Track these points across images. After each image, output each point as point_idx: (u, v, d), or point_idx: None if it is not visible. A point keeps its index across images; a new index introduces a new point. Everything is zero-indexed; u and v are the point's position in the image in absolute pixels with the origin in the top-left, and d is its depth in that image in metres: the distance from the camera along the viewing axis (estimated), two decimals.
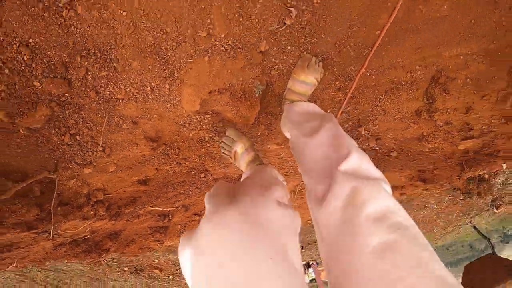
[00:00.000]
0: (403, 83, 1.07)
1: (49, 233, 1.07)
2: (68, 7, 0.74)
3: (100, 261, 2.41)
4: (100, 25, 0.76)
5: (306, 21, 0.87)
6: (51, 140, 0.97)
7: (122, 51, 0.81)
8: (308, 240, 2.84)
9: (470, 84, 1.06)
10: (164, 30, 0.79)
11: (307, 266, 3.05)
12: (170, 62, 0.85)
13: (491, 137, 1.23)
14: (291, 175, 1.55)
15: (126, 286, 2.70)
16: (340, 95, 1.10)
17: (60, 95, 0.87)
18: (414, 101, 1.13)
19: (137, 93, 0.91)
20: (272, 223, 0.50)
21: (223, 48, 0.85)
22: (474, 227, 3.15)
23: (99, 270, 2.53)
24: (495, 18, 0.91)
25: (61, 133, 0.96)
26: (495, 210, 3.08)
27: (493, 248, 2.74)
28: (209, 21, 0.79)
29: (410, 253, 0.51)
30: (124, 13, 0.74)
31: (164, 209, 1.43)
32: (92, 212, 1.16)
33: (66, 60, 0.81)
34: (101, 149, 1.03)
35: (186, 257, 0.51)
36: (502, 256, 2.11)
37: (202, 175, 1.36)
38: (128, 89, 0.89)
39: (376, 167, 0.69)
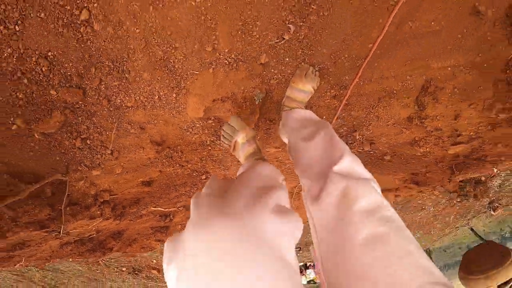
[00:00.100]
0: (395, 91, 1.18)
1: (59, 232, 1.17)
2: (86, 24, 0.84)
3: (98, 261, 2.50)
4: (114, 40, 0.86)
5: (303, 36, 0.97)
6: (62, 144, 1.07)
7: (134, 63, 0.91)
8: (305, 241, 2.94)
9: (458, 93, 1.17)
10: (173, 45, 0.89)
11: (305, 267, 3.16)
12: (178, 73, 0.96)
13: (479, 142, 1.34)
14: (289, 177, 1.65)
15: (124, 287, 2.79)
16: (336, 102, 1.20)
17: (74, 103, 0.97)
18: (406, 108, 1.24)
19: (146, 101, 1.02)
20: (267, 236, 0.47)
21: (226, 61, 0.95)
22: (472, 229, 3.24)
23: (97, 270, 2.62)
24: (480, 33, 1.02)
25: (73, 137, 1.06)
26: (492, 212, 3.18)
27: None
28: (214, 37, 0.90)
29: (398, 245, 0.57)
30: (137, 30, 0.85)
31: (166, 210, 1.54)
32: (98, 212, 1.26)
33: (82, 71, 0.91)
34: (109, 152, 1.13)
35: (172, 274, 0.48)
36: None
37: (203, 177, 1.46)
38: (138, 97, 1.00)
39: (370, 170, 0.78)
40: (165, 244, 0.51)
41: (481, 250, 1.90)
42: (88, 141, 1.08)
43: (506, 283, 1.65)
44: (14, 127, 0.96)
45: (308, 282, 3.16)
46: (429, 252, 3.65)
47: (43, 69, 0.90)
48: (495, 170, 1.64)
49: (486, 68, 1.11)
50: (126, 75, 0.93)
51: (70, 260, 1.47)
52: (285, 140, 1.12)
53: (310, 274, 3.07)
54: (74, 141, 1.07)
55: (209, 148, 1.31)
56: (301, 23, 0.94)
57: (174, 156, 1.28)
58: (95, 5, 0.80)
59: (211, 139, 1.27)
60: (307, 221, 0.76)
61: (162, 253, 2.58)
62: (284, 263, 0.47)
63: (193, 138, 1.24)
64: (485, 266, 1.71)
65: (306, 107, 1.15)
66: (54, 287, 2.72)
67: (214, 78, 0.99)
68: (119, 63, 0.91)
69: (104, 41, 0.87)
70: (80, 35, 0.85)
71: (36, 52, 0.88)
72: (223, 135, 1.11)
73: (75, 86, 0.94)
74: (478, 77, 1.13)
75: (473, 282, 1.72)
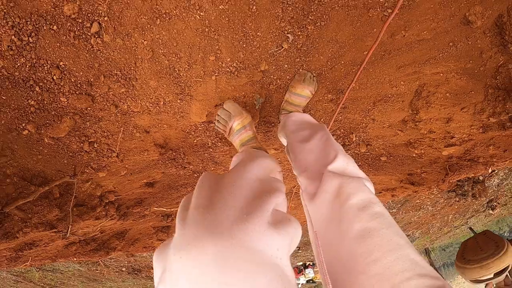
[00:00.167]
0: (390, 96, 1.26)
1: (67, 232, 1.25)
2: (96, 36, 0.91)
3: (98, 261, 2.58)
4: (123, 50, 0.94)
5: (301, 44, 1.05)
6: (71, 147, 1.14)
7: (141, 72, 0.99)
8: (304, 241, 3.02)
9: (450, 97, 1.25)
10: (178, 55, 0.97)
11: (304, 266, 3.25)
12: (182, 81, 1.04)
13: (471, 144, 1.42)
14: (287, 177, 1.73)
15: (124, 287, 2.87)
16: (332, 106, 1.28)
17: (83, 109, 1.04)
18: (400, 112, 1.32)
19: (151, 106, 1.09)
20: (264, 257, 0.43)
21: (228, 69, 1.03)
22: (470, 228, 3.33)
23: (97, 270, 2.70)
24: (470, 41, 1.10)
25: (81, 141, 1.13)
26: (491, 211, 3.28)
27: None
28: (217, 47, 0.97)
29: (388, 239, 0.61)
30: (145, 42, 0.92)
31: (168, 210, 1.62)
32: (104, 213, 1.34)
33: (91, 79, 0.98)
34: (115, 155, 1.20)
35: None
36: None
37: None
38: (144, 103, 1.07)
39: (367, 170, 0.87)
40: (154, 257, 0.49)
41: (477, 240, 1.98)
42: (95, 145, 1.16)
43: (501, 271, 1.73)
44: (25, 132, 1.04)
45: (307, 281, 3.25)
46: (428, 251, 3.75)
47: (55, 78, 0.97)
48: (490, 170, 1.73)
49: (477, 74, 1.19)
50: (133, 83, 1.01)
51: (75, 259, 1.55)
52: (284, 142, 1.20)
53: (309, 273, 3.15)
54: (82, 144, 1.14)
55: (210, 150, 1.39)
56: (299, 33, 1.02)
57: (176, 158, 1.36)
58: (105, 18, 0.88)
59: (213, 141, 1.35)
60: (305, 222, 0.84)
61: None
62: (284, 281, 0.43)
63: (195, 141, 1.32)
64: (481, 255, 1.80)
65: (304, 111, 1.22)
66: (54, 287, 2.80)
67: (217, 85, 1.06)
68: (127, 72, 0.99)
69: (113, 52, 0.94)
70: (91, 46, 0.93)
71: (48, 62, 0.95)
72: (217, 120, 1.10)
73: (84, 93, 1.01)
74: (469, 82, 1.21)
75: (468, 271, 1.79)
